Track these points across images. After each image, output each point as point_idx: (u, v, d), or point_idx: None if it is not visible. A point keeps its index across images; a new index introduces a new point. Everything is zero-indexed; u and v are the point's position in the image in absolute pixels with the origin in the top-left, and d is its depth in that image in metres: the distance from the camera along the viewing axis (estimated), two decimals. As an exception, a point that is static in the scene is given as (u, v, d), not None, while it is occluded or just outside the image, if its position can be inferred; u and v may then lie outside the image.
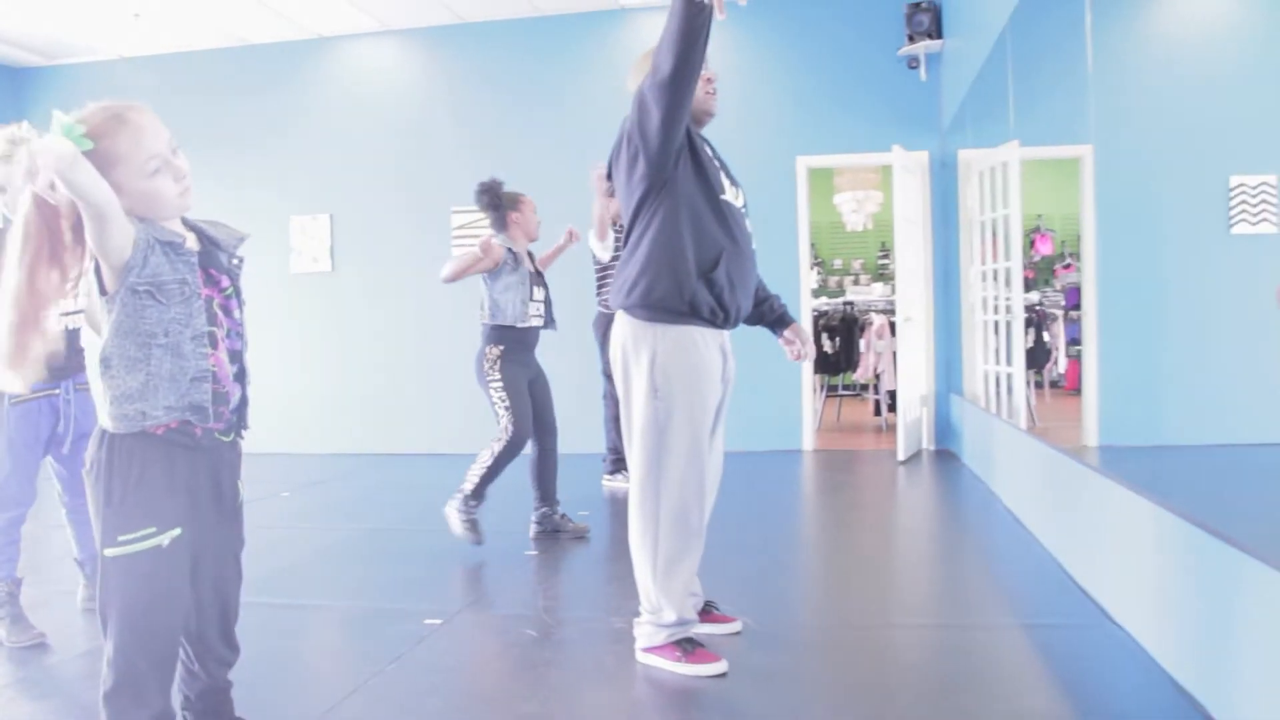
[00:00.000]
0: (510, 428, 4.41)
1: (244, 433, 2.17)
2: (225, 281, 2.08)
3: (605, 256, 5.59)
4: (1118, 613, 3.20)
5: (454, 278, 4.46)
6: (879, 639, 3.24)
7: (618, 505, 5.44)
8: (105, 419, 1.94)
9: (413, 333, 8.17)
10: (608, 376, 5.69)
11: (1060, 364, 7.33)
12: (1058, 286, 8.42)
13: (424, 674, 2.95)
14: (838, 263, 12.00)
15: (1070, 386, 7.24)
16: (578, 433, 6.40)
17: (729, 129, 6.39)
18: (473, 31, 8.07)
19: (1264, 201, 4.26)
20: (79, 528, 3.48)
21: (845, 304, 9.41)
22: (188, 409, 1.97)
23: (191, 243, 2.03)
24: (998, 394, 5.85)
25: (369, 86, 8.31)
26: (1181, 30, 4.52)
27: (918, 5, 7.22)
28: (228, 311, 2.07)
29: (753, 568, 4.06)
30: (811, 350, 3.25)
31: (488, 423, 4.55)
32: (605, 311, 5.75)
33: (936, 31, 7.19)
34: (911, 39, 7.26)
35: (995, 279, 6.06)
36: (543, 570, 4.20)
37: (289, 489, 6.38)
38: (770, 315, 3.21)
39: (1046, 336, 7.28)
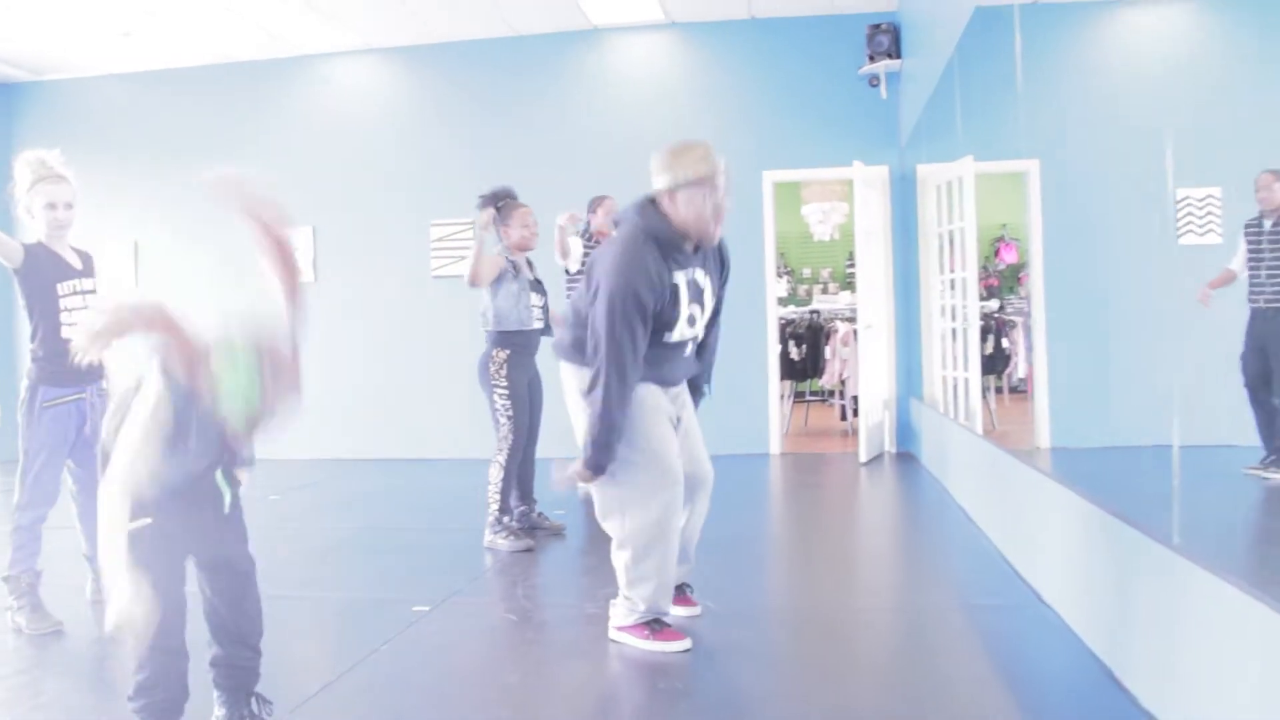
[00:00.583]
0: (510, 435, 4.74)
1: None
2: None
3: (574, 267, 5.85)
4: (1047, 594, 3.51)
5: (475, 275, 4.72)
6: (833, 620, 3.55)
7: (590, 505, 5.69)
8: None
9: (393, 341, 8.42)
10: None
11: (1020, 369, 7.64)
12: (1021, 294, 8.74)
13: (415, 653, 3.23)
14: (807, 271, 12.31)
15: (1031, 391, 7.55)
16: (553, 436, 6.65)
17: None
18: (451, 50, 8.35)
19: (1210, 213, 4.55)
20: (89, 527, 3.73)
21: (811, 312, 9.71)
22: None
23: None
24: (955, 398, 6.17)
25: (350, 103, 8.58)
26: (1126, 48, 4.79)
27: (878, 26, 7.58)
28: None
29: (718, 559, 4.32)
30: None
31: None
32: None
33: (895, 51, 7.54)
34: (872, 58, 7.61)
35: (953, 288, 6.38)
36: (522, 563, 4.48)
37: (276, 492, 6.62)
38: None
39: (1006, 343, 7.61)
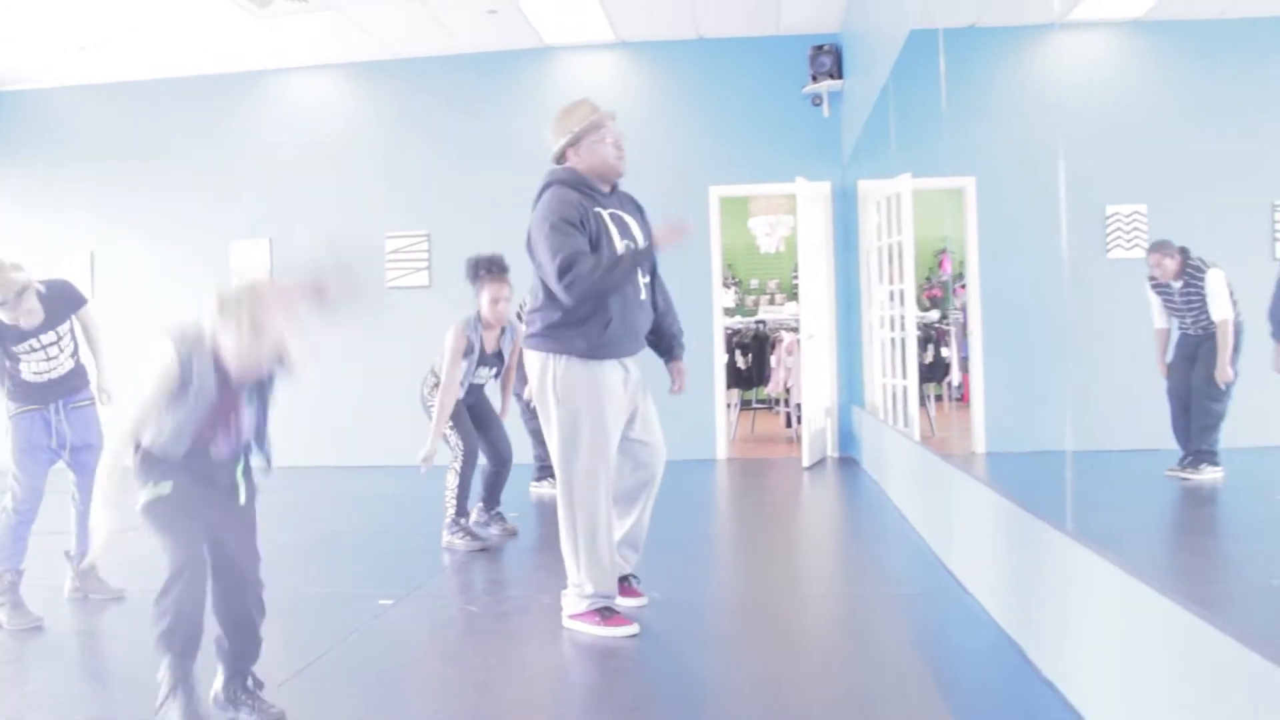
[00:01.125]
0: (460, 444, 4.96)
1: None
2: None
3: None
4: (968, 582, 3.81)
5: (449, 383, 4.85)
6: (773, 608, 3.83)
7: (543, 508, 5.95)
8: None
9: (352, 350, 8.56)
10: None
11: (956, 378, 7.95)
12: (956, 305, 9.08)
13: (382, 641, 3.45)
14: (754, 283, 12.60)
15: (966, 399, 7.87)
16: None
17: (647, 161, 6.95)
18: (405, 66, 8.54)
19: (1136, 229, 4.86)
20: (82, 527, 3.93)
21: (757, 322, 9.99)
22: None
23: None
24: (894, 405, 6.47)
25: (305, 116, 8.72)
26: (1057, 70, 5.07)
27: (820, 48, 7.90)
28: None
29: (665, 555, 4.54)
30: (682, 386, 3.90)
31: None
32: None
33: (838, 72, 7.87)
34: (815, 78, 7.94)
35: (892, 299, 6.68)
36: (481, 561, 4.70)
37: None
38: (663, 348, 3.83)
39: (945, 352, 7.93)
